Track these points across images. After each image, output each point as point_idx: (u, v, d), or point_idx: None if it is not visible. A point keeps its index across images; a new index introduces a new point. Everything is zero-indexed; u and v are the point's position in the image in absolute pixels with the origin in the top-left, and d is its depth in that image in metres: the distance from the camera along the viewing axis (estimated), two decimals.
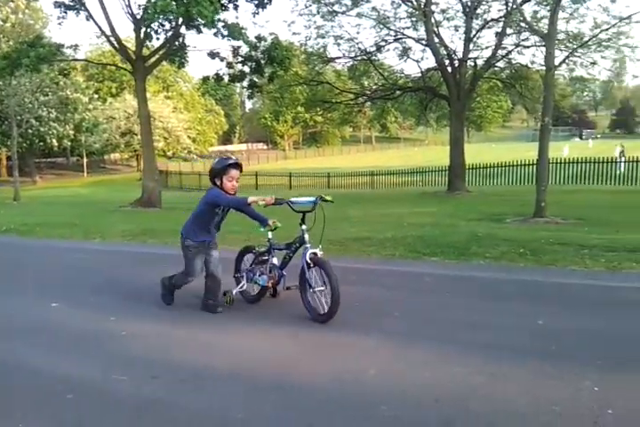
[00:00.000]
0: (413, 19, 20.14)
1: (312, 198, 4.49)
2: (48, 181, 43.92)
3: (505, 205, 14.10)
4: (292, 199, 4.44)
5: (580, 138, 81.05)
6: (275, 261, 4.64)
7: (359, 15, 20.34)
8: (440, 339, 3.89)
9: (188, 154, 45.61)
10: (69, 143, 42.05)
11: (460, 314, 4.49)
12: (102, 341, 4.05)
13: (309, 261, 4.24)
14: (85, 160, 49.25)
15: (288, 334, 4.03)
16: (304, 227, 4.37)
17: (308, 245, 4.30)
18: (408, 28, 20.80)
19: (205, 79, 19.72)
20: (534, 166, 15.21)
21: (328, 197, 4.48)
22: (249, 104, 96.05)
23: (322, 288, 4.16)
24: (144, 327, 4.32)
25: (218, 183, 4.49)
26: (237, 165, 4.50)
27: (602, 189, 19.31)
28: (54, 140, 38.27)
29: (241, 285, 4.86)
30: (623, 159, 21.95)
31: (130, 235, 9.38)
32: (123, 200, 17.62)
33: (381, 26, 20.48)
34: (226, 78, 18.58)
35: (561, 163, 21.56)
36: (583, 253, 6.59)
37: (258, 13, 16.87)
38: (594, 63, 19.04)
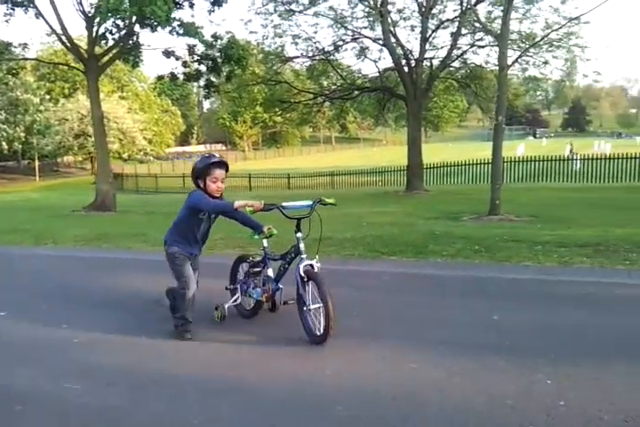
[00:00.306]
0: (370, 18, 20.27)
1: (307, 202, 4.01)
2: None
3: (461, 204, 14.34)
4: (285, 204, 3.92)
5: (534, 137, 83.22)
6: (269, 272, 4.15)
7: (316, 14, 20.37)
8: (397, 337, 3.92)
9: (144, 156, 44.80)
10: (20, 146, 40.81)
11: (418, 312, 4.54)
12: (54, 349, 3.93)
13: (303, 275, 3.78)
14: (37, 163, 47.80)
15: (245, 336, 3.99)
16: (299, 235, 3.91)
17: (304, 256, 3.84)
18: (365, 27, 20.95)
19: (160, 78, 19.41)
20: (489, 165, 15.51)
21: (330, 200, 4.06)
22: (207, 104, 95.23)
23: (317, 306, 3.70)
24: (97, 334, 4.21)
25: (201, 185, 3.98)
26: (222, 164, 3.98)
27: (555, 186, 19.85)
28: (4, 143, 37.09)
29: (234, 298, 4.42)
30: (577, 157, 22.63)
31: (83, 240, 9.14)
32: (76, 204, 17.17)
33: (339, 25, 20.54)
34: (181, 77, 18.31)
35: (515, 161, 22.07)
36: (536, 249, 6.75)
37: (214, 11, 16.68)
38: (546, 63, 19.54)
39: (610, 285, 5.18)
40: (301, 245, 3.88)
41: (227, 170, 4.01)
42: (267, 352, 3.69)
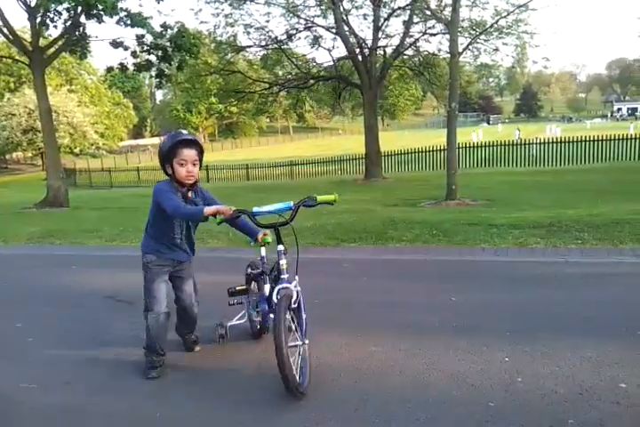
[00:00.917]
0: (322, 7, 20.16)
1: (285, 204, 3.09)
2: None
3: (419, 190, 14.52)
4: (256, 209, 3.10)
5: (488, 123, 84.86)
6: (266, 289, 3.25)
7: (268, 3, 20.12)
8: (358, 321, 3.96)
9: (96, 150, 43.68)
10: None
11: (377, 296, 4.58)
12: (8, 349, 3.81)
13: (276, 298, 2.95)
14: None
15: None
16: (280, 247, 3.10)
17: (284, 277, 3.05)
18: (318, 16, 20.81)
19: (110, 70, 18.85)
20: (446, 152, 15.73)
21: (327, 197, 3.08)
22: (159, 96, 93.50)
23: (296, 343, 2.92)
24: (53, 332, 4.10)
25: (169, 171, 3.20)
26: (192, 142, 3.17)
27: (509, 171, 20.28)
28: None
29: (240, 315, 3.68)
30: (536, 140, 23.09)
31: (36, 237, 8.88)
32: (27, 201, 16.63)
33: (291, 14, 20.36)
34: (131, 68, 17.86)
35: (471, 147, 22.44)
36: (492, 231, 6.89)
37: (162, 0, 16.28)
38: (496, 50, 19.82)
39: (563, 264, 5.33)
40: (282, 262, 3.08)
41: (200, 150, 3.21)
42: (232, 340, 3.64)
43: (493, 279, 4.90)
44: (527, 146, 22.09)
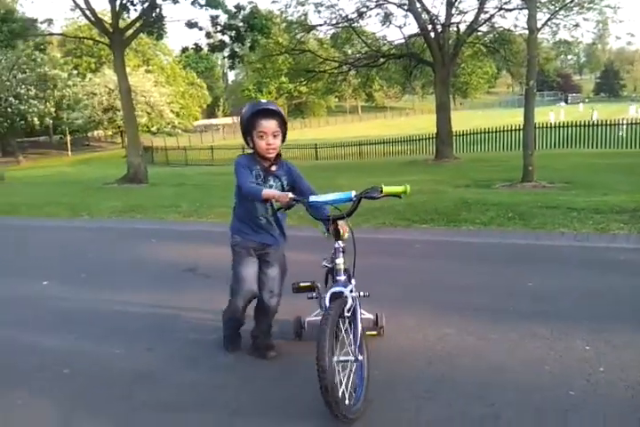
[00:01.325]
0: None
1: (346, 194, 2.67)
2: (32, 160, 43.24)
3: (493, 171, 14.12)
4: (313, 198, 2.73)
5: (566, 102, 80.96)
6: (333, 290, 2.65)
7: None
8: (432, 304, 3.93)
9: (172, 129, 45.00)
10: (51, 121, 41.35)
11: (452, 279, 4.52)
12: (97, 315, 4.05)
13: (327, 305, 2.54)
14: (69, 138, 48.45)
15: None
16: (339, 244, 2.74)
17: (340, 278, 2.66)
18: None
19: (185, 50, 19.33)
20: (520, 132, 15.17)
21: (395, 188, 2.67)
22: (231, 76, 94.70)
23: (347, 358, 2.47)
24: (137, 302, 4.31)
25: (250, 144, 2.96)
26: (271, 112, 2.87)
27: (588, 152, 19.37)
28: (35, 119, 37.58)
29: (317, 312, 3.27)
30: (625, 122, 21.86)
31: (118, 211, 9.31)
32: (109, 177, 17.42)
33: None
34: (205, 48, 18.21)
35: (549, 127, 21.56)
36: (571, 215, 6.63)
37: None
38: (576, 25, 18.88)
39: None
40: (339, 262, 2.70)
41: (281, 121, 2.91)
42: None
43: (573, 265, 4.73)
44: (612, 126, 20.88)
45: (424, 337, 3.33)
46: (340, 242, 2.75)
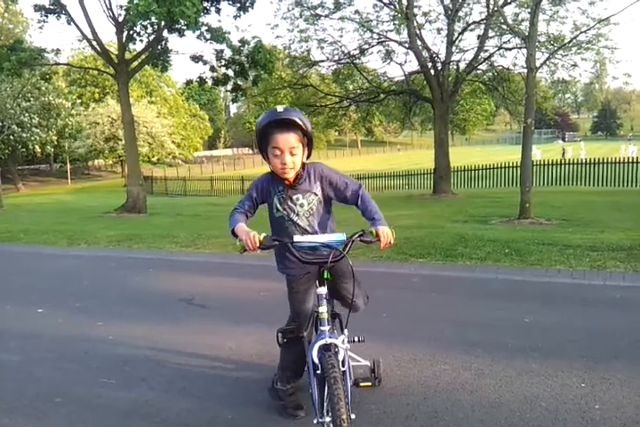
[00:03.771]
0: (396, 22, 20.21)
1: (338, 237, 2.42)
2: (31, 188, 43.43)
3: (490, 207, 14.20)
4: (298, 238, 2.44)
5: (563, 140, 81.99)
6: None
7: (342, 18, 20.38)
8: (427, 338, 3.91)
9: (172, 159, 45.34)
10: (52, 149, 41.66)
11: (448, 313, 4.52)
12: (90, 345, 4.02)
13: (316, 361, 2.31)
14: (69, 167, 48.78)
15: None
16: (321, 291, 2.46)
17: (325, 329, 2.40)
18: (391, 30, 20.87)
19: (189, 83, 19.66)
20: (518, 169, 15.34)
21: (382, 231, 2.35)
22: (233, 108, 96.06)
23: (329, 419, 2.23)
24: (131, 331, 4.29)
25: (267, 161, 2.53)
26: (288, 124, 2.39)
27: (584, 190, 19.51)
28: (37, 147, 37.85)
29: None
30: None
31: (115, 241, 9.31)
32: (107, 206, 17.48)
33: (364, 29, 20.54)
34: (209, 82, 18.54)
35: (545, 165, 21.79)
36: (568, 252, 6.66)
37: (239, 17, 16.87)
38: (574, 65, 19.24)
39: None
40: (322, 310, 2.42)
41: (302, 132, 2.43)
42: None
43: (570, 302, 4.73)
44: (609, 164, 21.04)
45: (420, 372, 3.32)
46: (322, 288, 2.45)
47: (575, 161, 21.90)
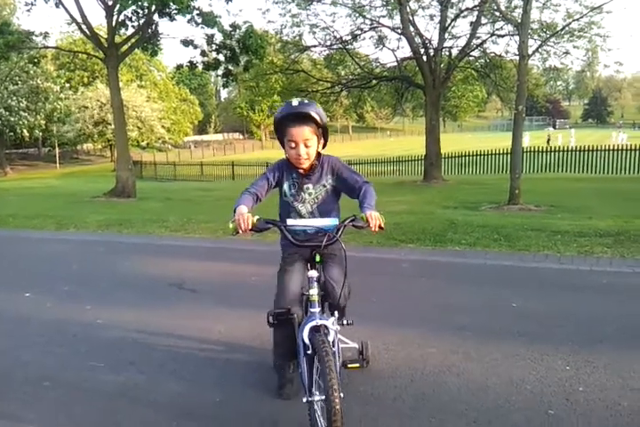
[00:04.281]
0: (389, 7, 20.10)
1: (330, 222, 2.53)
2: (20, 172, 43.00)
3: (480, 193, 14.26)
4: (291, 221, 2.59)
5: (554, 127, 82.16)
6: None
7: (334, 3, 20.21)
8: (416, 321, 3.95)
9: (162, 144, 45.01)
10: (41, 133, 41.24)
11: (437, 298, 4.56)
12: (78, 329, 4.02)
13: (307, 342, 2.39)
14: (58, 151, 48.27)
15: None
16: (312, 274, 2.55)
17: (315, 311, 2.47)
18: (383, 16, 20.77)
19: (179, 67, 19.43)
20: (509, 155, 15.39)
21: (370, 215, 2.39)
22: (224, 93, 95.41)
23: (320, 398, 2.29)
24: (120, 315, 4.29)
25: (284, 150, 2.69)
26: (302, 117, 2.52)
27: (573, 177, 19.61)
28: (25, 131, 37.44)
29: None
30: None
31: (104, 225, 9.27)
32: (97, 191, 17.36)
33: (357, 14, 20.39)
34: (200, 66, 18.35)
35: (535, 152, 21.85)
36: (555, 238, 6.71)
37: (231, 0, 16.67)
38: (566, 53, 19.24)
39: (630, 274, 5.14)
40: (312, 292, 2.51)
41: (317, 124, 2.55)
42: None
43: (557, 287, 4.78)
44: (598, 152, 21.14)
45: (407, 355, 3.35)
46: (313, 271, 2.55)
47: (565, 148, 21.96)
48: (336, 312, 2.67)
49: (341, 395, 2.16)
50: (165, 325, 4.04)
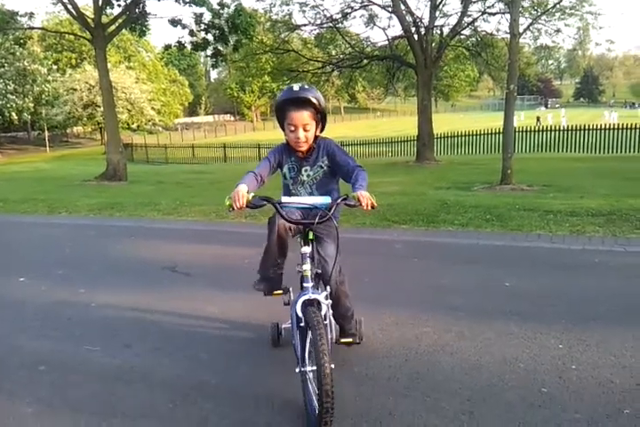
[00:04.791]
0: None
1: (324, 200, 2.63)
2: (9, 156, 42.58)
3: (473, 174, 14.26)
4: (285, 199, 2.69)
5: (546, 107, 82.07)
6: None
7: None
8: (409, 302, 3.97)
9: (152, 126, 44.60)
10: (29, 117, 40.69)
11: (430, 278, 4.58)
12: (72, 312, 4.01)
13: (300, 315, 2.48)
14: (47, 134, 47.73)
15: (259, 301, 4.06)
16: (305, 250, 2.65)
17: (308, 285, 2.55)
18: None
19: (167, 47, 19.13)
20: (501, 135, 15.36)
21: (360, 194, 2.47)
22: (214, 74, 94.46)
23: (312, 368, 2.38)
24: (114, 298, 4.29)
25: (284, 133, 2.81)
26: (302, 102, 2.64)
27: (566, 156, 19.64)
28: (13, 114, 36.90)
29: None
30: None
31: (96, 209, 9.22)
32: (87, 174, 17.23)
33: None
34: (188, 47, 18.10)
35: (526, 131, 21.84)
36: (548, 218, 6.74)
37: None
38: (558, 31, 19.12)
39: (621, 253, 5.18)
40: (305, 268, 2.60)
41: (315, 110, 2.67)
42: (282, 317, 3.74)
43: (549, 266, 4.81)
44: (589, 131, 21.15)
45: (401, 335, 3.37)
46: (306, 248, 2.65)
47: (557, 128, 21.95)
48: (328, 288, 2.74)
49: (332, 365, 2.23)
50: (160, 307, 4.05)
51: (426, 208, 7.69)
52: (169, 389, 2.81)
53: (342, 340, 2.97)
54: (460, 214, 7.16)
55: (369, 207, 2.43)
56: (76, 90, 39.47)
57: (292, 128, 2.69)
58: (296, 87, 2.65)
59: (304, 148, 2.77)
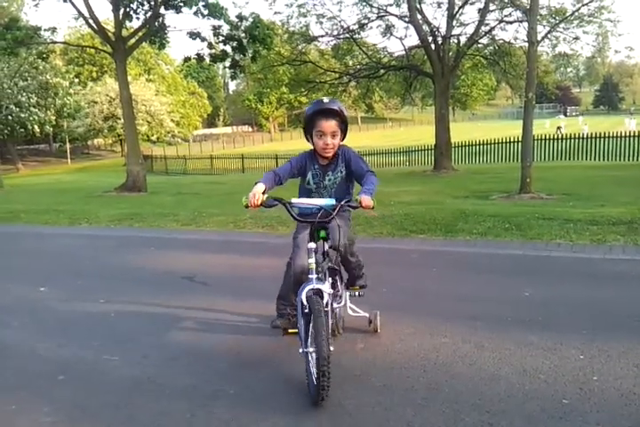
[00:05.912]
0: None
1: (329, 201, 2.96)
2: (31, 168, 43.32)
3: (491, 183, 14.17)
4: (294, 200, 3.00)
5: (565, 115, 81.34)
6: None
7: None
8: (428, 312, 3.94)
9: (172, 138, 45.09)
10: (51, 129, 41.41)
11: (448, 288, 4.55)
12: (92, 323, 4.05)
13: (305, 302, 2.74)
14: (68, 146, 48.50)
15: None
16: (311, 245, 2.88)
17: (312, 277, 2.83)
18: (391, 5, 20.58)
19: (187, 60, 19.41)
20: (519, 144, 15.25)
21: (361, 198, 2.81)
22: (232, 86, 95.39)
23: (312, 349, 2.70)
24: (133, 308, 4.32)
25: (310, 142, 3.16)
26: (331, 113, 3.02)
27: (585, 164, 19.42)
28: (36, 127, 37.56)
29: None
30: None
31: (116, 220, 9.33)
32: (108, 186, 17.45)
33: (363, 3, 20.24)
34: (207, 59, 18.32)
35: (546, 139, 21.65)
36: (568, 227, 6.66)
37: None
38: (576, 38, 19.00)
39: None
40: (311, 261, 2.85)
41: (341, 120, 3.04)
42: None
43: (570, 276, 4.75)
44: (609, 139, 20.88)
45: (419, 345, 3.34)
46: (312, 244, 2.90)
47: (578, 136, 21.69)
48: (330, 279, 3.06)
49: (331, 348, 2.56)
50: (178, 317, 4.07)
51: (444, 217, 7.65)
52: (187, 398, 2.81)
53: (350, 287, 3.45)
54: (478, 223, 7.11)
55: (367, 208, 2.79)
56: (96, 102, 40.10)
57: (321, 134, 3.03)
58: (326, 99, 3.05)
59: (330, 154, 3.10)
